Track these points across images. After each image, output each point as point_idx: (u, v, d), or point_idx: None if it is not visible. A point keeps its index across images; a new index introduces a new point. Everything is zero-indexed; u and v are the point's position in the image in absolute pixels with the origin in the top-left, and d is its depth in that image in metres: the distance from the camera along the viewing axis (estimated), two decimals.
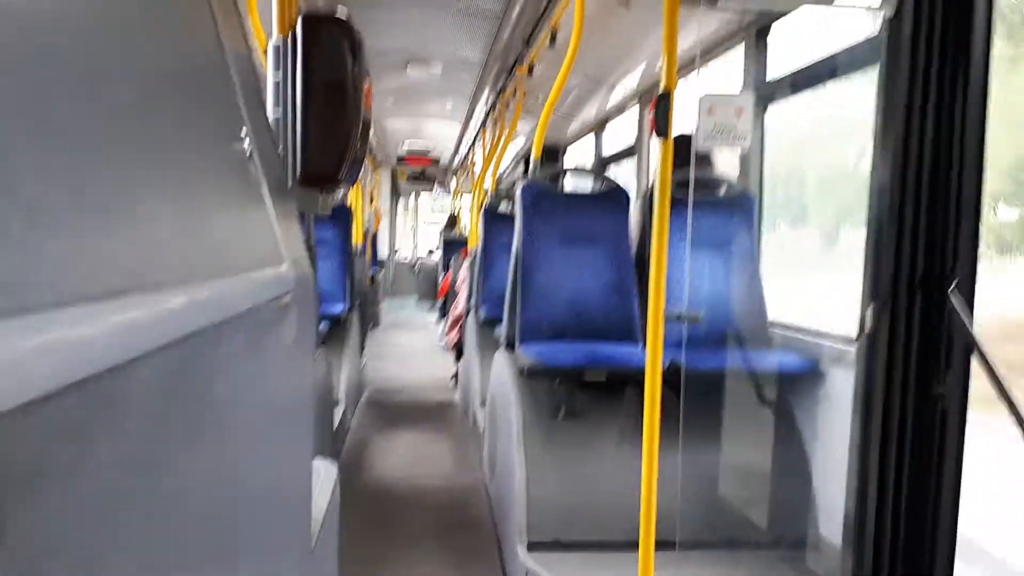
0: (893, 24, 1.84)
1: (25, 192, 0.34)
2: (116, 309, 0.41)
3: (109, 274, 0.42)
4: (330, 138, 1.28)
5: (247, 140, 0.86)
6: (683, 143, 2.69)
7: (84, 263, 0.39)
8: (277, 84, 1.33)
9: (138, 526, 0.44)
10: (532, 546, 2.38)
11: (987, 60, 1.70)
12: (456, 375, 6.04)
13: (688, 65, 3.36)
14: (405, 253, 13.00)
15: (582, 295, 2.89)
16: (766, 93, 3.04)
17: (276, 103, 1.33)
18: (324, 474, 1.41)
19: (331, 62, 1.27)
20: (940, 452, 1.74)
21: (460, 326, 5.60)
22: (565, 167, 6.52)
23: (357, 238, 6.11)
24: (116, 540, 0.41)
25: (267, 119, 1.06)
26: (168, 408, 0.49)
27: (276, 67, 1.34)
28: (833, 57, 2.58)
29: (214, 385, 0.59)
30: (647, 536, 1.78)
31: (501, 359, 3.03)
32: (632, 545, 1.87)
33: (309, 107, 1.28)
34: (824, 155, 3.42)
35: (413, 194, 12.82)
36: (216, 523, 0.62)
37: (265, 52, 1.51)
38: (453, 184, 11.28)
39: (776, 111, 3.05)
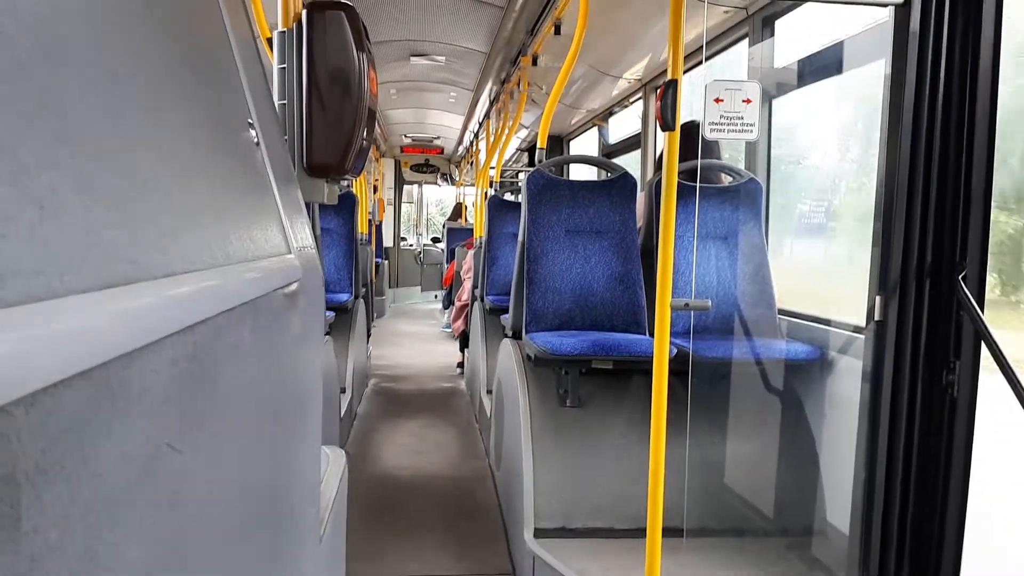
0: (901, 12, 1.82)
1: (33, 181, 0.34)
2: (124, 298, 0.41)
3: (117, 262, 0.42)
4: (335, 127, 1.28)
5: (254, 129, 0.85)
6: (690, 131, 2.68)
7: (92, 252, 0.39)
8: (283, 72, 1.32)
9: (148, 515, 0.44)
10: (539, 533, 2.38)
11: (997, 49, 1.68)
12: (462, 363, 6.05)
13: (695, 54, 3.33)
14: (410, 241, 13.02)
15: (588, 284, 2.89)
16: (774, 81, 3.02)
17: (281, 92, 1.33)
18: (332, 461, 1.42)
19: (336, 51, 1.26)
20: (949, 441, 1.73)
21: (465, 315, 5.60)
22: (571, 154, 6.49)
23: (362, 227, 6.11)
24: (125, 530, 0.41)
25: (273, 107, 1.05)
26: (176, 397, 0.49)
27: (281, 55, 1.33)
28: (842, 44, 2.56)
29: (222, 374, 0.59)
30: (654, 523, 1.78)
31: (507, 347, 3.03)
32: (638, 532, 1.88)
33: (314, 96, 1.27)
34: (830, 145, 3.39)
35: (417, 184, 12.82)
36: (226, 511, 0.62)
37: (269, 40, 1.51)
38: (457, 174, 11.27)
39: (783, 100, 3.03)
